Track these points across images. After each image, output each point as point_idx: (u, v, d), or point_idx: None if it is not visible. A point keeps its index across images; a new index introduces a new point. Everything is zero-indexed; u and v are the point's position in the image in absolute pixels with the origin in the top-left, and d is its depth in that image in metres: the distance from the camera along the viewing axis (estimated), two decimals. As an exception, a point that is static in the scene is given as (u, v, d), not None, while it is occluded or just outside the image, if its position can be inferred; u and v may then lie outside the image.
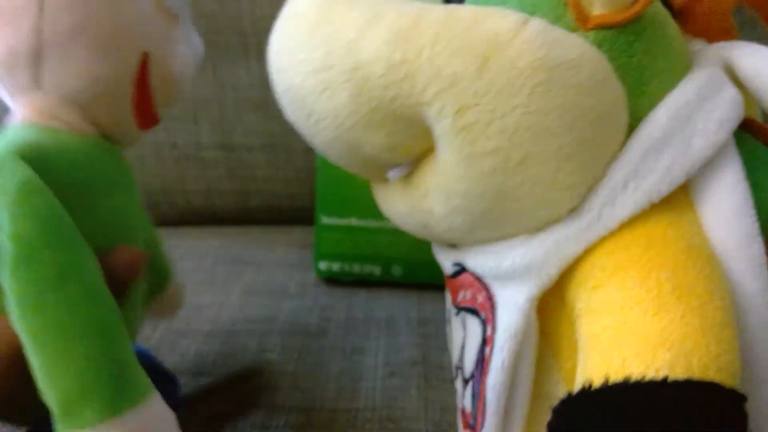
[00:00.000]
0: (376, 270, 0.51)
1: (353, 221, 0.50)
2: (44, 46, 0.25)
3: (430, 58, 0.19)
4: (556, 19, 0.20)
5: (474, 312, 0.23)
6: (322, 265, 0.52)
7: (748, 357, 0.18)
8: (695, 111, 0.20)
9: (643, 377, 0.16)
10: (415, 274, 0.51)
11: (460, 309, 0.24)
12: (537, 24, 0.19)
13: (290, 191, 0.66)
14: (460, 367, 0.24)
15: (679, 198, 0.20)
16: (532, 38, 0.19)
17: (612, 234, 0.20)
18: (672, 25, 0.22)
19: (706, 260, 0.19)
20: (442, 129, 0.20)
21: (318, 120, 0.22)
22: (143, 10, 0.27)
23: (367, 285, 0.51)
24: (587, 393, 0.17)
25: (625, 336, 0.17)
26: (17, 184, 0.21)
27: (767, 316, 0.18)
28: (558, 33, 0.19)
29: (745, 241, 0.19)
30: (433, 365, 0.39)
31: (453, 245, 0.24)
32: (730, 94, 0.21)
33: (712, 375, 0.16)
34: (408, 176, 0.22)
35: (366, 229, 0.50)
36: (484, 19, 0.19)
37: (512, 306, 0.21)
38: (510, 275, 0.21)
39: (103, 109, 0.27)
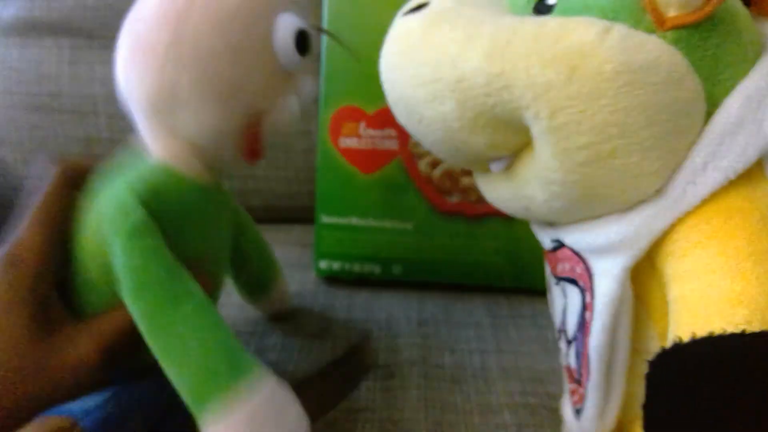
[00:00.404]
0: (376, 269, 0.51)
1: (353, 220, 0.50)
2: (173, 94, 0.28)
3: (525, 69, 0.22)
4: (636, 23, 0.22)
5: (573, 282, 0.26)
6: (322, 264, 0.52)
7: None
8: (765, 96, 0.22)
9: (724, 332, 0.19)
10: (415, 272, 0.51)
11: (560, 279, 0.27)
12: (618, 30, 0.21)
13: (290, 190, 0.66)
14: (562, 330, 0.28)
15: (755, 173, 0.22)
16: (615, 45, 0.21)
17: (695, 209, 0.22)
18: (743, 14, 0.24)
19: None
20: (539, 129, 0.22)
21: (428, 124, 0.25)
22: (260, 69, 0.29)
23: (367, 284, 0.51)
24: (678, 347, 0.20)
25: (709, 297, 0.20)
26: (131, 224, 0.27)
27: None
28: (638, 37, 0.22)
29: None
30: (433, 365, 0.39)
31: (551, 224, 0.27)
32: None
33: None
34: (509, 167, 0.25)
35: (366, 228, 0.50)
36: (571, 30, 0.22)
37: (609, 275, 0.23)
38: (605, 249, 0.24)
39: (214, 151, 0.30)
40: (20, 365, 0.27)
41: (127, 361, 0.29)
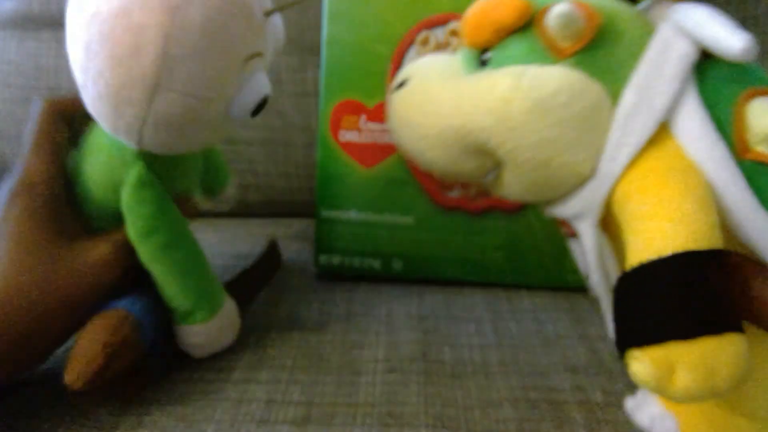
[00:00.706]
0: (376, 264, 0.51)
1: (353, 215, 0.50)
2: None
3: (476, 119, 0.31)
4: (544, 60, 0.30)
5: (573, 237, 0.35)
6: (322, 259, 0.52)
7: (732, 222, 0.28)
8: (652, 80, 0.29)
9: (647, 260, 0.27)
10: (416, 268, 0.51)
11: (569, 237, 0.36)
12: (529, 72, 0.30)
13: (290, 185, 0.65)
14: (586, 274, 0.35)
15: (661, 135, 0.29)
16: (526, 86, 0.29)
17: (620, 177, 0.29)
18: (624, 16, 0.30)
19: (683, 174, 0.28)
20: (498, 153, 0.31)
21: (427, 160, 0.34)
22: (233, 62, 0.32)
23: (367, 279, 0.51)
24: (623, 275, 0.28)
25: (642, 236, 0.27)
26: (136, 176, 0.34)
27: (737, 193, 0.28)
28: (544, 71, 0.29)
29: (712, 148, 0.28)
30: (434, 361, 0.39)
31: (546, 203, 0.35)
32: (677, 49, 0.29)
33: (689, 247, 0.26)
34: (494, 178, 0.34)
35: (366, 222, 0.50)
36: (496, 83, 0.30)
37: (585, 233, 0.32)
38: (576, 216, 0.32)
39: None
40: (46, 270, 0.32)
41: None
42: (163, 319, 0.37)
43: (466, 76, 0.32)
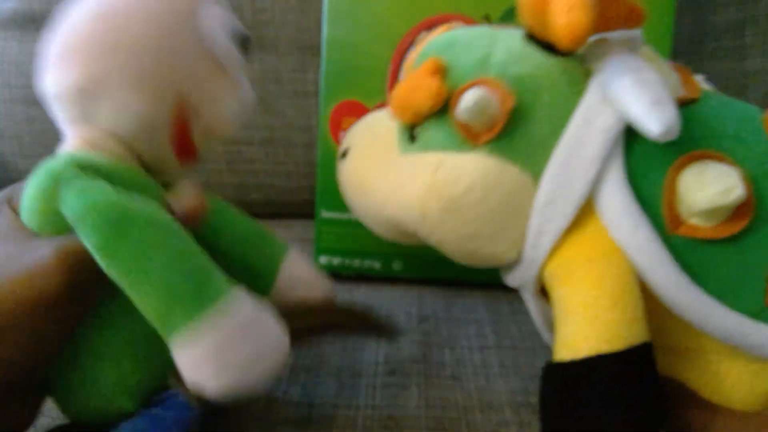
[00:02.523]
0: (377, 265, 0.51)
1: (353, 216, 0.50)
2: (90, 84, 0.27)
3: (401, 214, 0.32)
4: (460, 147, 0.30)
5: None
6: (323, 260, 0.52)
7: (664, 300, 0.28)
8: (570, 163, 0.28)
9: (565, 359, 0.27)
10: (416, 269, 0.51)
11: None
12: (444, 166, 0.30)
13: (290, 185, 0.65)
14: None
15: (587, 215, 0.29)
16: (441, 183, 0.29)
17: (544, 262, 0.30)
18: (546, 84, 0.29)
19: (604, 262, 0.28)
20: (429, 242, 0.32)
21: (377, 233, 0.36)
22: (185, 54, 0.29)
23: (367, 280, 0.51)
24: (545, 370, 0.28)
25: (563, 330, 0.28)
26: (69, 175, 0.26)
27: (664, 275, 0.27)
28: (459, 162, 0.29)
29: (634, 231, 0.27)
30: (434, 362, 0.39)
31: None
32: (600, 124, 0.28)
33: (602, 348, 0.26)
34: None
35: (366, 224, 0.50)
36: (415, 178, 0.30)
37: (528, 300, 0.33)
38: (517, 287, 0.33)
39: (142, 143, 0.29)
40: None
41: (93, 292, 0.27)
42: None
43: (397, 156, 0.33)
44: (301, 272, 0.36)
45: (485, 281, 0.50)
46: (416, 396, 0.36)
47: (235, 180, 0.65)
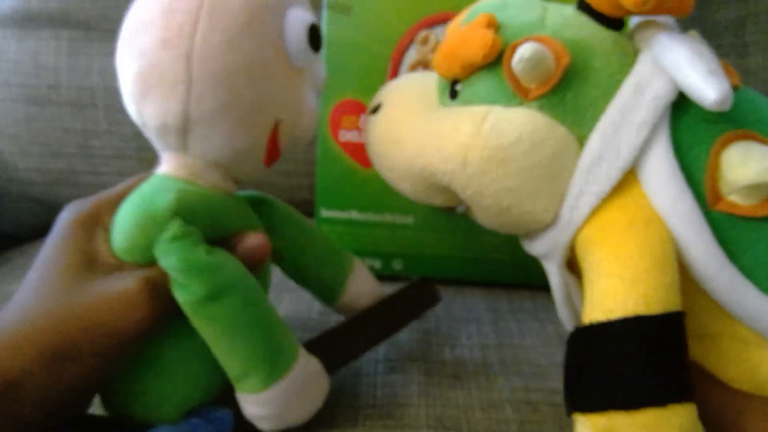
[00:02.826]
0: (377, 263, 0.51)
1: (353, 214, 0.50)
2: (191, 120, 0.28)
3: (437, 163, 0.31)
4: (509, 102, 0.29)
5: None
6: (322, 259, 0.52)
7: (698, 276, 0.28)
8: (619, 127, 0.28)
9: (599, 321, 0.26)
10: (416, 267, 0.51)
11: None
12: (492, 115, 0.29)
13: (290, 184, 0.65)
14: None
15: (627, 182, 0.28)
16: (488, 133, 0.29)
17: (582, 225, 0.29)
18: (598, 50, 0.29)
19: (644, 228, 0.27)
20: (461, 196, 0.32)
21: (399, 189, 0.35)
22: (277, 80, 0.29)
23: (367, 279, 0.51)
24: (573, 333, 0.28)
25: (593, 292, 0.27)
26: (171, 233, 0.27)
27: (702, 249, 0.27)
28: (507, 115, 0.29)
29: (677, 201, 0.27)
30: (434, 361, 0.39)
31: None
32: (651, 91, 0.28)
33: (640, 310, 0.25)
34: (466, 209, 0.34)
35: (366, 222, 0.50)
36: (459, 127, 0.30)
37: (551, 272, 0.32)
38: (542, 256, 0.33)
39: (240, 167, 0.31)
40: (71, 293, 0.27)
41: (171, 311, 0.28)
42: None
43: (435, 109, 0.32)
44: (365, 285, 0.40)
45: (485, 280, 0.50)
46: (416, 394, 0.36)
47: (234, 179, 0.65)
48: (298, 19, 0.30)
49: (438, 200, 0.33)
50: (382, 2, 0.47)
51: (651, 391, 0.25)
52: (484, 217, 0.32)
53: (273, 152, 0.31)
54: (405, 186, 0.34)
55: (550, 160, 0.29)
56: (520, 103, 0.29)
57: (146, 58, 0.27)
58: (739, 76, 0.31)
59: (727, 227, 0.27)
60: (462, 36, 0.30)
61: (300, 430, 0.32)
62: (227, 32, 0.27)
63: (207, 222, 0.29)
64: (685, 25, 0.61)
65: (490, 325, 0.44)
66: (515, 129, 0.29)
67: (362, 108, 0.48)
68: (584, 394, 0.27)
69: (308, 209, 0.55)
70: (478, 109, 0.30)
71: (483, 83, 0.30)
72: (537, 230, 0.31)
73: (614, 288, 0.26)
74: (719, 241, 0.27)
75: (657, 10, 0.29)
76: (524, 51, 0.27)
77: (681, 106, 0.28)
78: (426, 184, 0.32)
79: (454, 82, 0.31)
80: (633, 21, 0.32)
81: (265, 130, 0.30)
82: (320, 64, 0.33)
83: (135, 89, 0.28)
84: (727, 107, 0.26)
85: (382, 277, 0.51)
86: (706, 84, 0.26)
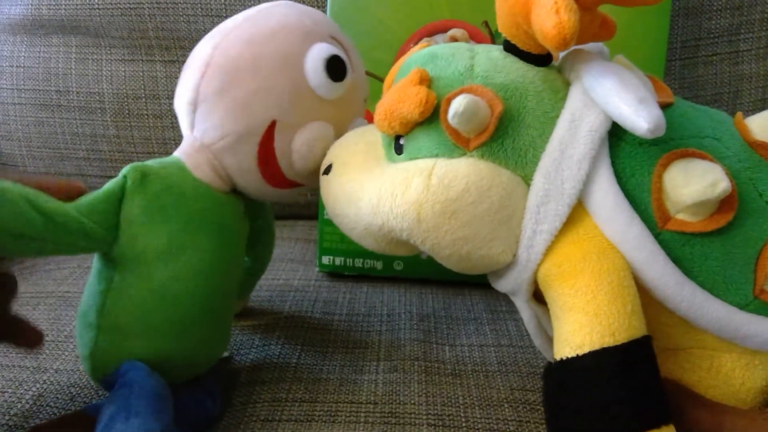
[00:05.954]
0: (378, 264, 0.52)
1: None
2: (199, 97, 0.33)
3: (393, 220, 0.31)
4: (451, 152, 0.30)
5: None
6: (325, 260, 0.52)
7: (658, 296, 0.28)
8: (560, 164, 0.29)
9: (567, 356, 0.27)
10: (416, 268, 0.51)
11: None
12: (437, 170, 0.30)
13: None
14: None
15: (580, 214, 0.29)
16: (436, 187, 0.29)
17: (541, 262, 0.30)
18: (531, 90, 0.30)
19: (599, 259, 0.28)
20: (423, 248, 0.31)
21: (366, 246, 0.34)
22: (281, 83, 0.33)
23: (369, 279, 0.52)
24: (547, 370, 0.29)
25: (562, 329, 0.28)
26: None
27: (659, 270, 0.28)
28: (452, 167, 0.29)
29: (626, 228, 0.28)
30: (434, 360, 0.40)
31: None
32: (586, 125, 0.29)
33: (606, 342, 0.26)
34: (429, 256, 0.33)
35: (368, 225, 0.50)
36: (408, 183, 0.30)
37: (520, 307, 0.33)
38: (509, 294, 0.33)
39: (229, 159, 0.34)
40: None
41: None
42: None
43: (384, 165, 0.32)
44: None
45: (484, 281, 0.51)
46: (417, 393, 0.36)
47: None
48: (321, 48, 0.34)
49: (402, 252, 0.34)
50: (383, 10, 0.48)
51: (627, 421, 0.26)
52: (448, 263, 0.32)
53: (266, 151, 0.34)
54: (369, 242, 0.34)
55: (498, 206, 0.29)
56: (463, 154, 0.30)
57: (195, 49, 0.34)
58: (670, 91, 0.32)
59: (680, 245, 0.28)
60: (398, 94, 0.31)
61: (301, 427, 0.33)
62: (253, 38, 0.33)
63: (166, 200, 0.32)
64: (679, 32, 0.61)
65: (488, 326, 0.45)
66: (461, 180, 0.29)
67: (365, 114, 0.49)
68: (562, 429, 0.27)
69: (311, 212, 0.55)
70: (424, 164, 0.30)
71: (425, 137, 0.31)
72: (500, 270, 0.32)
73: (579, 323, 0.27)
74: (674, 260, 0.28)
75: (580, 42, 0.29)
76: (458, 105, 0.28)
77: (617, 133, 0.29)
78: (387, 240, 0.32)
79: (398, 137, 0.32)
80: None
81: (258, 122, 0.33)
82: (360, 119, 0.37)
83: (181, 74, 0.34)
84: (660, 133, 0.26)
85: (383, 278, 0.52)
86: (637, 114, 0.26)
